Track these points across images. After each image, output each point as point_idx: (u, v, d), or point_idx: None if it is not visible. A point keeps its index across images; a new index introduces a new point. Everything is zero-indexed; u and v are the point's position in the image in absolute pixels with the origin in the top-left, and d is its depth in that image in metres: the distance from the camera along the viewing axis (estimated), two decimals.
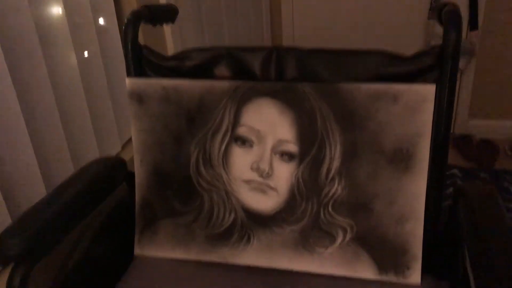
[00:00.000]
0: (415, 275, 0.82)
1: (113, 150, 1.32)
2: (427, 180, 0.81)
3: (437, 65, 0.80)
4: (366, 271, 0.84)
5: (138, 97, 0.90)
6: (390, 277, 0.83)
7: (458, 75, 2.24)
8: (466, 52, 2.16)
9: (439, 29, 0.77)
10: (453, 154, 2.21)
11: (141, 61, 0.94)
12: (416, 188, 0.81)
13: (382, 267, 0.84)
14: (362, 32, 2.42)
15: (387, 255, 0.83)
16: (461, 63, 2.18)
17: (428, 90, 0.78)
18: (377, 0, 2.32)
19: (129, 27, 0.91)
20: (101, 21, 1.23)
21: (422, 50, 0.81)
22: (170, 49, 1.46)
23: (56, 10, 1.04)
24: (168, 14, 1.02)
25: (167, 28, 1.44)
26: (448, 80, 0.78)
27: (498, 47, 2.21)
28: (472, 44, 2.15)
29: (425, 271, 0.83)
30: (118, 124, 1.32)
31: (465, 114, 2.37)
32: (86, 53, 1.17)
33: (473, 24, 2.13)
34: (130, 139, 1.39)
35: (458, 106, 2.36)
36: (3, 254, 0.68)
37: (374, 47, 0.85)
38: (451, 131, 2.37)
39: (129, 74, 0.94)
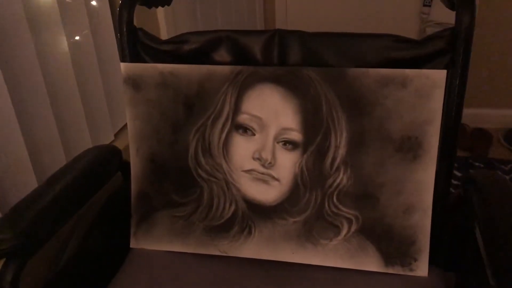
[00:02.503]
0: (422, 267, 0.80)
1: (105, 139, 1.27)
2: (435, 169, 0.78)
3: (449, 50, 0.76)
4: (372, 263, 0.82)
5: (134, 83, 0.86)
6: (397, 269, 0.81)
7: None
8: None
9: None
10: None
11: (136, 44, 0.89)
12: (424, 177, 0.78)
13: (388, 259, 0.81)
14: (355, 19, 2.38)
15: (394, 246, 0.81)
16: None
17: (439, 76, 0.75)
18: None
19: (124, 9, 0.86)
20: (92, 3, 1.18)
21: (432, 34, 0.78)
22: (163, 34, 1.41)
23: None
24: None
25: (160, 13, 1.39)
26: (460, 66, 0.75)
27: (491, 36, 2.19)
28: None
29: (431, 263, 0.80)
30: (110, 112, 1.27)
31: None
32: (77, 37, 1.12)
33: None
34: (122, 128, 1.35)
35: None
36: None
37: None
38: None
39: (123, 58, 0.89)
